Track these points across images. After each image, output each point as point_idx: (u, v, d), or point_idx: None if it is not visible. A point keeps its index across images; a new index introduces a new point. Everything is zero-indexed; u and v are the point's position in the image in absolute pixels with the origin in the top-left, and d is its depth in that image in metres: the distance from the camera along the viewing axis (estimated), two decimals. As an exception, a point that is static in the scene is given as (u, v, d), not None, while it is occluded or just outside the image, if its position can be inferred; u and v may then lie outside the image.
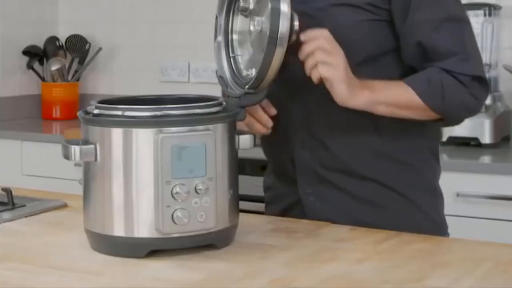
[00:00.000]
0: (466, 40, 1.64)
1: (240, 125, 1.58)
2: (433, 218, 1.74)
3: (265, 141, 1.80)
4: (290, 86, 1.67)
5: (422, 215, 1.72)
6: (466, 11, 1.69)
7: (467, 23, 1.65)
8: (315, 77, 1.54)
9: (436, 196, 1.77)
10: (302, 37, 1.53)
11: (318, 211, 1.72)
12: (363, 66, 1.61)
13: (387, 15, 1.63)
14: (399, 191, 1.70)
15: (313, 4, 1.63)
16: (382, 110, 1.60)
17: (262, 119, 1.64)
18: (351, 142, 1.67)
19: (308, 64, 1.54)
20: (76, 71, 4.03)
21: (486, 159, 2.78)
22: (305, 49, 1.53)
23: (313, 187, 1.73)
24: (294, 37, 1.51)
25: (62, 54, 4.02)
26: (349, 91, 1.54)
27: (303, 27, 1.54)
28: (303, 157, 1.71)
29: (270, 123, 1.64)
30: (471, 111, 1.66)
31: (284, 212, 1.79)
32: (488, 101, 2.88)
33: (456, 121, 1.69)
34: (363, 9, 1.61)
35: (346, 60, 1.54)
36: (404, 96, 1.60)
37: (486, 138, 2.93)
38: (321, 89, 1.56)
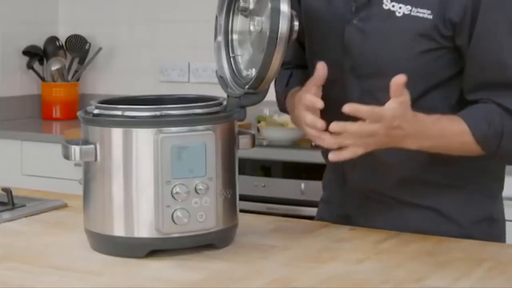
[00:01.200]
0: None
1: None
2: None
3: (323, 151, 1.75)
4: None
5: None
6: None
7: None
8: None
9: (492, 223, 1.69)
10: (364, 113, 1.44)
11: None
12: (427, 94, 1.57)
13: (451, 42, 1.55)
14: (455, 220, 1.64)
15: (380, 24, 1.57)
16: (428, 149, 1.54)
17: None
18: (404, 169, 1.62)
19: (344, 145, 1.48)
20: (76, 71, 4.03)
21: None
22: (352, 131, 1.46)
23: (363, 210, 1.69)
24: (294, 37, 1.50)
25: (62, 54, 4.02)
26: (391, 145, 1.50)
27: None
28: (354, 179, 1.67)
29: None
30: None
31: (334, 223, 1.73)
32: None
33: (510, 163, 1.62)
34: (430, 37, 1.54)
35: (384, 129, 1.46)
36: (458, 139, 1.53)
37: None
38: None
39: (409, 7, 1.54)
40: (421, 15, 1.54)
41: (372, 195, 1.68)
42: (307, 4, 1.69)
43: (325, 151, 1.76)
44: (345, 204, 1.72)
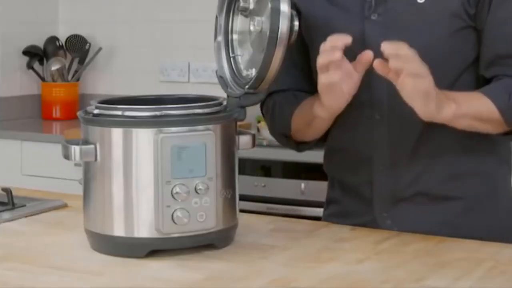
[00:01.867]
0: None
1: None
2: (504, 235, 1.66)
3: (336, 160, 1.75)
4: (375, 106, 1.62)
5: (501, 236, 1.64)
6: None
7: None
8: (403, 89, 1.47)
9: (510, 209, 1.72)
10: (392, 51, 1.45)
11: None
12: (455, 84, 1.58)
13: (473, 21, 1.57)
14: (482, 211, 1.66)
15: (401, 14, 1.57)
16: (464, 123, 1.54)
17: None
18: (435, 163, 1.62)
19: (397, 78, 1.46)
20: (76, 71, 4.03)
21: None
22: (394, 65, 1.45)
23: (390, 210, 1.67)
24: (294, 37, 1.50)
25: (62, 54, 4.03)
26: (437, 105, 1.48)
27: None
28: (383, 179, 1.66)
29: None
30: None
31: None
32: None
33: None
34: (460, 16, 1.55)
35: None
36: (485, 110, 1.54)
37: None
38: (406, 110, 1.51)
39: None
40: None
41: (399, 194, 1.66)
42: (311, 16, 1.67)
43: (338, 166, 1.75)
44: (370, 210, 1.69)
